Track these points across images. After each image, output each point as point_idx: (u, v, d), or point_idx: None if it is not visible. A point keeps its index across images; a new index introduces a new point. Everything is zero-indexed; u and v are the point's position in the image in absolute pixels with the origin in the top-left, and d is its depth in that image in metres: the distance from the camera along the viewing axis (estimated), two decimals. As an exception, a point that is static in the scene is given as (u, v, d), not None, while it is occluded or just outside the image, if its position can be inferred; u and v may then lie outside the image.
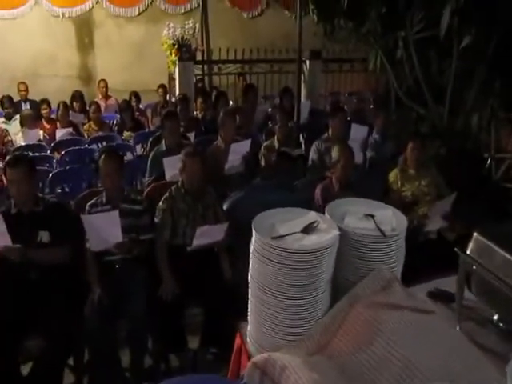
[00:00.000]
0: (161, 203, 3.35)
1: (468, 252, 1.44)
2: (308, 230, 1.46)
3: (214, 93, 7.67)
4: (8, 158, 2.92)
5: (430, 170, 4.16)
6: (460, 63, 4.63)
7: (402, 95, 5.50)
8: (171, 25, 6.20)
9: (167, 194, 3.38)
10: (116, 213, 2.92)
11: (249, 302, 1.54)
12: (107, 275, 3.07)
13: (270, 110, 6.50)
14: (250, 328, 1.55)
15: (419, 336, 1.20)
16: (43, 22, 8.86)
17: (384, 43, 5.28)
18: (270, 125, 6.00)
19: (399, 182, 4.11)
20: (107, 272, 3.10)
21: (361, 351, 1.23)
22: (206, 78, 7.35)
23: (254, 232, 1.46)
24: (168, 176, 4.01)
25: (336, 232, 1.42)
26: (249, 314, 1.55)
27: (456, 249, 1.46)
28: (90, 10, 9.02)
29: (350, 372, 1.20)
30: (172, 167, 3.98)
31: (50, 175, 4.31)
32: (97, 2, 8.96)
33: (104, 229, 2.90)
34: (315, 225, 1.47)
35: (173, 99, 6.83)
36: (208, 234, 3.13)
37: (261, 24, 9.88)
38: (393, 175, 4.16)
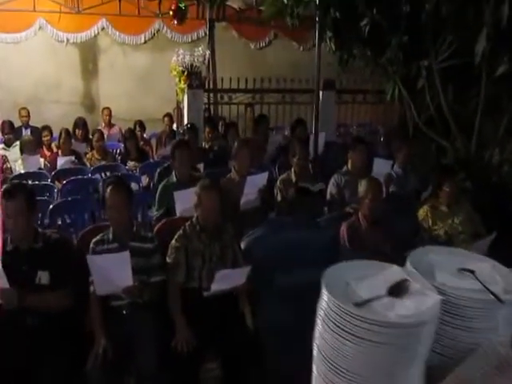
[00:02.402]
0: (174, 241, 3.01)
1: None
2: (396, 291, 1.12)
3: (221, 123, 7.46)
4: (4, 187, 2.59)
5: (464, 206, 3.85)
6: (489, 93, 4.38)
7: (422, 127, 5.24)
8: (181, 51, 5.97)
9: (181, 232, 3.05)
10: (127, 254, 2.58)
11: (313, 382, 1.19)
12: (113, 323, 2.71)
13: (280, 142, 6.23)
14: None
15: None
16: (47, 47, 8.66)
17: (404, 73, 5.05)
18: (282, 157, 5.72)
19: (430, 220, 3.80)
20: (113, 319, 2.74)
21: None
22: (212, 108, 7.10)
23: (325, 293, 1.13)
24: (178, 210, 3.69)
25: (437, 296, 1.09)
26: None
27: None
28: (95, 36, 8.85)
29: None
30: (183, 201, 3.67)
31: (51, 206, 3.99)
32: (102, 29, 8.79)
33: (112, 271, 2.56)
34: (406, 284, 1.14)
35: (180, 129, 6.53)
36: (228, 279, 2.79)
37: (268, 55, 9.74)
38: (423, 212, 3.85)
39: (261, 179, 4.04)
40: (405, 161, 4.83)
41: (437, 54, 4.52)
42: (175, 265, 2.94)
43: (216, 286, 2.76)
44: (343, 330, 1.05)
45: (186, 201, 3.66)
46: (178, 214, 3.67)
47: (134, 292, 2.68)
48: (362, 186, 3.50)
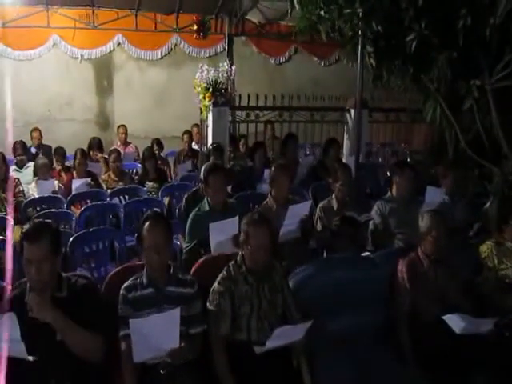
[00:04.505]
0: (217, 285, 2.61)
1: None
2: None
3: (242, 141, 7.10)
4: (27, 228, 2.20)
5: (530, 243, 3.41)
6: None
7: (467, 150, 4.85)
8: (205, 67, 5.62)
9: (224, 273, 2.64)
10: (177, 312, 2.18)
11: None
12: (150, 385, 2.30)
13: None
14: None
15: None
16: (61, 64, 8.35)
17: (449, 92, 4.67)
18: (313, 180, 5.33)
19: (495, 258, 3.36)
20: (149, 381, 2.33)
21: None
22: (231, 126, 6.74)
23: None
24: (213, 244, 3.28)
25: None
26: None
27: None
28: (111, 52, 8.54)
29: None
30: (219, 233, 3.29)
31: (71, 239, 3.60)
32: (118, 44, 8.48)
33: (158, 334, 2.15)
34: None
35: (204, 148, 6.17)
36: (286, 335, 2.38)
37: (288, 70, 9.43)
38: (486, 249, 3.41)
39: (303, 208, 3.65)
40: (452, 188, 4.43)
41: (491, 73, 4.15)
42: (219, 313, 2.54)
43: (272, 343, 2.35)
44: None
45: (222, 233, 3.29)
46: (212, 249, 3.28)
47: (180, 355, 2.28)
48: (424, 221, 3.10)
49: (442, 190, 4.26)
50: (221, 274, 2.64)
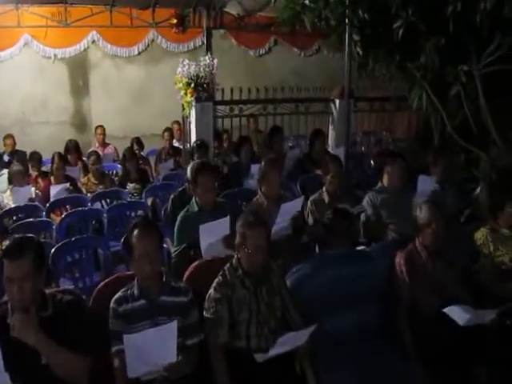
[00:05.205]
0: (212, 291, 2.48)
1: None
2: None
3: (225, 136, 6.94)
4: (7, 245, 2.03)
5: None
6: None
7: (455, 135, 4.79)
8: (186, 61, 5.42)
9: (220, 278, 2.51)
10: (174, 325, 2.05)
11: None
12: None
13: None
14: None
15: None
16: (33, 65, 8.05)
17: (436, 78, 4.59)
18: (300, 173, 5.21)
19: (491, 245, 3.32)
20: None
21: None
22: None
23: None
24: (203, 246, 3.12)
25: None
26: None
27: None
28: (85, 50, 8.27)
29: None
30: (209, 235, 3.13)
31: (53, 250, 3.40)
32: (92, 42, 8.22)
33: (154, 348, 2.01)
34: None
35: (187, 145, 5.99)
36: (289, 342, 2.27)
37: (269, 62, 9.29)
38: (481, 236, 3.37)
39: (295, 205, 3.53)
40: (442, 176, 4.36)
41: (479, 58, 4.09)
42: (216, 321, 2.41)
43: (275, 351, 2.23)
44: None
45: (212, 234, 3.13)
46: (203, 251, 3.13)
47: (177, 369, 2.14)
48: (423, 213, 3.01)
49: (433, 179, 4.18)
50: (216, 279, 2.51)
